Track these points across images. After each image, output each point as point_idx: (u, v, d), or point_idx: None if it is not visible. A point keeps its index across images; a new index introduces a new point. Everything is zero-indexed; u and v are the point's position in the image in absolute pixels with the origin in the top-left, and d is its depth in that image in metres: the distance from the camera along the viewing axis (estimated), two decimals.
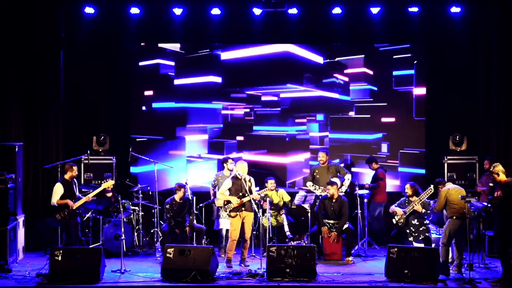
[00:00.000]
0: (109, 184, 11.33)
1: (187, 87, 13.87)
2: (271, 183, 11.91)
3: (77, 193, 11.18)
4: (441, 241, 10.47)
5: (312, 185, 12.30)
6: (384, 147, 13.84)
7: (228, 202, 10.98)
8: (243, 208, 10.92)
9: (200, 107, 13.90)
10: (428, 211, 11.04)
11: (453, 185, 10.79)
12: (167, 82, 13.87)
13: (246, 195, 10.85)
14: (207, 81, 13.87)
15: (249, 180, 11.01)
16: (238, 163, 11.19)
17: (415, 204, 10.97)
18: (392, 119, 13.85)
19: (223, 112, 13.93)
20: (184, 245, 10.57)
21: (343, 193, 11.98)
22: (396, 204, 11.35)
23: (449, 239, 10.43)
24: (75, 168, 11.17)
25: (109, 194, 12.25)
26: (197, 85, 13.88)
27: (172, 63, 13.86)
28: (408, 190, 11.22)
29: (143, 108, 13.86)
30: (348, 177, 12.25)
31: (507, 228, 9.89)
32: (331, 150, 13.22)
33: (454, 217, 10.39)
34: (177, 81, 13.89)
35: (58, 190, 10.96)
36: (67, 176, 11.09)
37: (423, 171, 13.65)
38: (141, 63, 13.84)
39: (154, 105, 13.88)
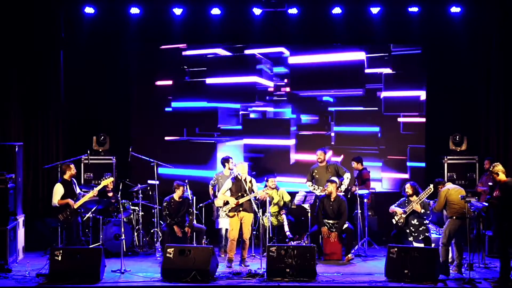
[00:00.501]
0: (108, 181, 11.35)
1: (224, 87, 13.88)
2: (271, 181, 11.91)
3: (77, 191, 11.18)
4: (441, 241, 10.47)
5: (311, 185, 12.29)
6: None
7: (228, 202, 10.99)
8: (240, 209, 10.92)
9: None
10: (428, 211, 11.03)
11: (453, 185, 10.78)
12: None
13: (245, 195, 10.86)
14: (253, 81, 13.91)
15: (250, 181, 11.01)
16: (238, 164, 11.19)
17: (414, 204, 10.97)
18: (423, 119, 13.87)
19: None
20: (184, 245, 10.58)
21: (343, 193, 11.98)
22: (396, 204, 11.34)
23: (449, 239, 10.43)
24: (72, 166, 11.19)
25: (110, 194, 12.26)
26: (239, 84, 13.89)
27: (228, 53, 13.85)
28: (408, 189, 11.20)
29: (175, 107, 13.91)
30: (347, 176, 12.23)
31: (505, 228, 9.89)
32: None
33: (454, 217, 10.38)
34: (211, 80, 13.85)
35: (59, 190, 10.98)
36: (66, 176, 11.10)
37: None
38: (186, 53, 13.85)
39: (189, 104, 13.90)
